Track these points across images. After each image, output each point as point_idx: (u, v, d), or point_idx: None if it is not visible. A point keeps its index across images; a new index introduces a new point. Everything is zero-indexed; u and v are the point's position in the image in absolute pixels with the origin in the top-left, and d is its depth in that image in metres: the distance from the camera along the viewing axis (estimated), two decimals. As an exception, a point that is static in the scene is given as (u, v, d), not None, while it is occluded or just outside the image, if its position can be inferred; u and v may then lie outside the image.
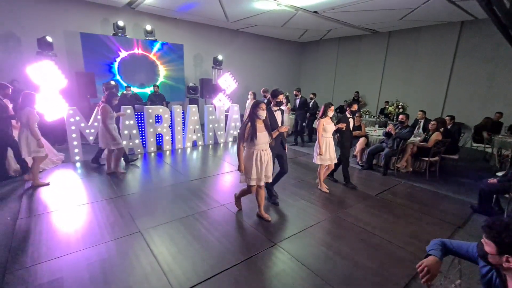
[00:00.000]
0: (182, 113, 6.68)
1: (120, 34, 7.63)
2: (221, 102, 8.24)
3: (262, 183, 3.22)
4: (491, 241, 1.20)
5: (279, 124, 3.57)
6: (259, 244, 2.90)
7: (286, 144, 3.80)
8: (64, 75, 5.67)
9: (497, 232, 1.17)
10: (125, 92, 7.23)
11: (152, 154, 6.17)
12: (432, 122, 5.17)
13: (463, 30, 8.07)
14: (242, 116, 7.08)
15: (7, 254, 2.57)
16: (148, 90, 8.33)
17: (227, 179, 4.85)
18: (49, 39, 6.05)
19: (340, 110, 10.01)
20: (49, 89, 5.43)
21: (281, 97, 3.62)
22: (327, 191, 4.35)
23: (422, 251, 2.56)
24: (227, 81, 8.59)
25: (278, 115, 3.63)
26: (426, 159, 5.17)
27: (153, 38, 8.24)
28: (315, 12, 7.69)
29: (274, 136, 3.30)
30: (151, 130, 6.20)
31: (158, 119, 6.26)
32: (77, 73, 6.80)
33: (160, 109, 6.25)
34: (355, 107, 4.49)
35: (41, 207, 3.53)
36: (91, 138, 5.52)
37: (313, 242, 2.98)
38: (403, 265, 2.63)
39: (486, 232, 1.22)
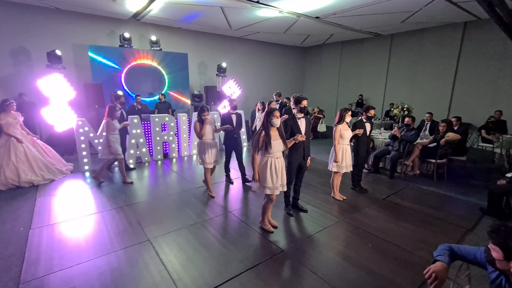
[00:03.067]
0: (188, 121, 6.77)
1: (126, 46, 7.81)
2: (226, 108, 8.33)
3: (278, 192, 3.08)
4: (497, 246, 1.20)
5: (303, 132, 3.39)
6: (267, 250, 2.92)
7: (308, 158, 3.60)
8: (72, 87, 5.83)
9: (502, 238, 1.17)
10: (135, 104, 7.28)
11: (159, 162, 6.25)
12: (442, 124, 5.14)
13: (467, 30, 8.03)
14: (246, 122, 7.11)
15: (21, 264, 2.63)
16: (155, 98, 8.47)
17: (233, 185, 4.88)
18: (58, 52, 6.22)
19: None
20: (58, 101, 5.58)
21: (305, 103, 3.46)
22: (342, 199, 4.25)
23: (432, 255, 2.54)
24: (231, 88, 8.69)
25: (302, 122, 3.45)
26: (433, 161, 5.13)
27: (158, 48, 8.40)
28: (317, 17, 7.76)
29: (289, 145, 3.19)
30: (158, 138, 6.30)
31: (164, 127, 6.36)
32: (85, 84, 6.97)
33: (166, 118, 6.35)
34: (371, 112, 4.33)
35: (53, 217, 3.61)
36: (99, 148, 5.62)
37: (321, 248, 2.98)
38: (412, 270, 2.61)
39: (492, 238, 1.22)
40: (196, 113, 4.50)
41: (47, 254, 2.80)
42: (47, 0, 6.52)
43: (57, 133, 6.02)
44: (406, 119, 5.27)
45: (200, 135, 4.15)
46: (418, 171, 5.36)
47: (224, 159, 5.01)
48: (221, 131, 4.63)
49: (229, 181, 5.02)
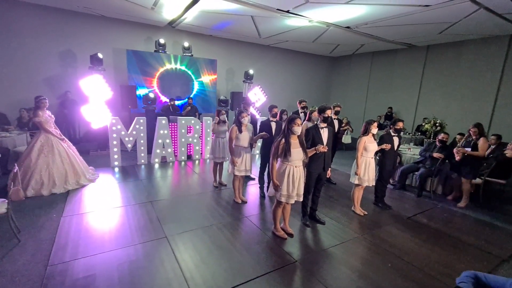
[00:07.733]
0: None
1: (161, 51, 8.27)
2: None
3: (292, 201, 3.08)
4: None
5: (324, 143, 3.35)
6: (280, 259, 2.88)
7: (329, 169, 3.52)
8: (110, 87, 6.26)
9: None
10: (169, 104, 7.76)
11: (183, 163, 6.46)
12: (473, 129, 4.67)
13: (513, 43, 7.46)
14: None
15: (51, 248, 2.85)
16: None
17: (252, 191, 4.90)
18: (100, 55, 6.75)
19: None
20: (97, 100, 6.02)
21: (329, 112, 3.37)
22: (362, 214, 4.09)
23: (457, 283, 2.35)
24: (256, 95, 8.80)
25: (324, 132, 3.41)
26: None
27: (189, 54, 8.79)
28: (348, 27, 7.66)
29: (310, 154, 3.18)
30: (183, 140, 6.53)
31: (189, 129, 6.58)
32: (121, 86, 7.45)
33: (192, 121, 6.57)
34: (400, 125, 4.14)
35: (82, 207, 3.87)
36: (129, 146, 5.96)
37: (336, 263, 2.88)
38: (435, 296, 2.43)
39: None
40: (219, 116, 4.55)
41: (74, 241, 3.00)
42: (95, 8, 7.14)
43: (93, 130, 6.47)
44: (442, 135, 4.90)
45: (236, 141, 4.02)
46: (466, 202, 4.62)
47: (259, 170, 4.68)
48: (258, 139, 4.23)
49: (262, 195, 4.63)
